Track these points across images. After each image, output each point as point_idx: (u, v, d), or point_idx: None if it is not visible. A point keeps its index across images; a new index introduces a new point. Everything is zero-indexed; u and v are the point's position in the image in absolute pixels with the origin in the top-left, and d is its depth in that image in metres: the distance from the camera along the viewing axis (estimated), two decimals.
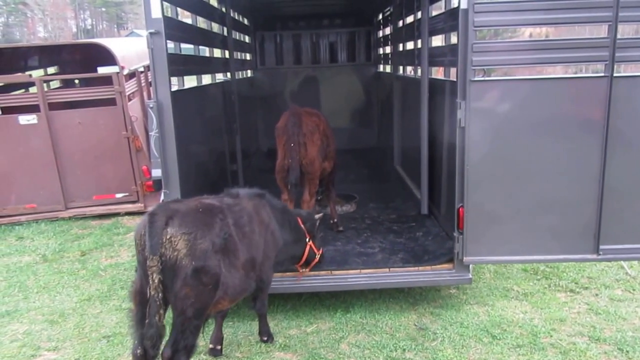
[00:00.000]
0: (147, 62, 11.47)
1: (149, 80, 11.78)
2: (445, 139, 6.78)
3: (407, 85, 9.10)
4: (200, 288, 3.94)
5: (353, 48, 12.61)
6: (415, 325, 5.73)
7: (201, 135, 7.23)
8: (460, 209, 5.54)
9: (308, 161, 6.40)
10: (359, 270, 5.90)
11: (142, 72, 10.55)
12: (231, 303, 4.52)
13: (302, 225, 5.49)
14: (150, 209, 4.09)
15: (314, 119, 6.69)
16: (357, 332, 5.62)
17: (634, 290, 6.54)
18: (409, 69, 9.40)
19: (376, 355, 5.19)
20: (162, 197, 6.60)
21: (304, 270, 5.71)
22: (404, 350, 5.26)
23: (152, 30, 5.22)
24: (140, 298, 4.01)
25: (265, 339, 5.44)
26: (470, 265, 5.80)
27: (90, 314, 6.32)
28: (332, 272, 5.91)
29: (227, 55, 9.19)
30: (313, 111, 6.97)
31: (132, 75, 10.41)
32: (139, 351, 4.00)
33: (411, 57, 8.59)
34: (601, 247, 5.57)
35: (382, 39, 12.12)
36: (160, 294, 3.82)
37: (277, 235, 5.11)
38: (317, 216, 5.69)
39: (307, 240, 5.53)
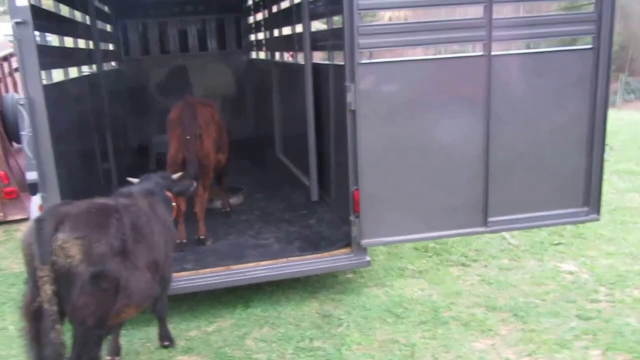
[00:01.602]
0: None
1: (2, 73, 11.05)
2: (332, 123, 6.87)
3: (287, 72, 9.10)
4: (99, 295, 3.73)
5: (223, 35, 12.40)
6: (318, 313, 5.77)
7: (72, 133, 6.86)
8: (355, 192, 5.64)
9: (204, 154, 6.27)
10: (256, 263, 5.85)
11: None
12: (137, 310, 4.30)
13: (168, 193, 5.12)
14: (38, 214, 3.84)
15: (208, 109, 6.58)
16: (260, 326, 5.57)
17: (519, 258, 6.97)
18: (287, 54, 9.43)
19: (284, 347, 5.17)
20: (33, 202, 6.22)
21: None
22: (312, 339, 5.29)
23: (18, 20, 4.80)
24: (33, 313, 3.73)
25: (167, 343, 5.25)
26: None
27: None
28: (230, 267, 5.80)
29: (91, 46, 8.76)
30: (206, 101, 6.86)
31: None
32: None
33: (290, 43, 8.60)
34: (489, 219, 5.90)
35: (254, 25, 12.03)
36: (54, 307, 3.57)
37: (173, 228, 4.93)
38: (174, 176, 5.39)
39: (173, 204, 5.15)
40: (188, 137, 6.16)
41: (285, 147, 9.82)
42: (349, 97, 5.42)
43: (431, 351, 5.03)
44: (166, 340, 5.27)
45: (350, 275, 6.56)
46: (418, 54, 6.33)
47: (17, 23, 4.83)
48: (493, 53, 5.51)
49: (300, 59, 8.05)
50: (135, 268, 4.03)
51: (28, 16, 4.83)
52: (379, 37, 5.37)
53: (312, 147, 7.32)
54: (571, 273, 6.52)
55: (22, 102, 5.02)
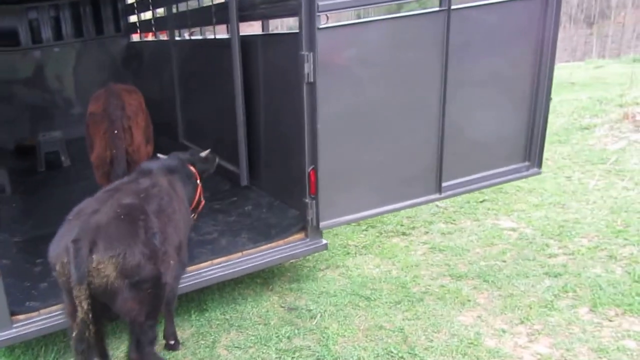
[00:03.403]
0: None
1: None
2: (261, 101, 6.21)
3: (195, 50, 8.11)
4: (142, 296, 3.59)
5: (99, 19, 11.04)
6: (283, 307, 5.14)
7: None
8: (312, 172, 5.03)
9: (135, 148, 5.37)
10: (210, 262, 5.06)
11: None
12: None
13: (192, 168, 4.80)
14: (71, 232, 3.42)
15: (135, 97, 5.63)
16: (226, 331, 4.84)
17: (454, 220, 6.75)
18: (187, 32, 8.52)
19: (264, 351, 4.49)
20: None
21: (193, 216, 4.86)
22: (290, 337, 4.66)
23: None
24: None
25: (172, 342, 4.67)
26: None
27: None
28: None
29: None
30: (131, 87, 5.89)
31: None
32: None
33: (201, 17, 7.65)
34: (443, 184, 5.53)
35: (135, 5, 10.76)
36: (90, 316, 3.41)
37: (189, 209, 4.61)
38: (202, 154, 5.01)
39: (198, 182, 4.81)
40: (116, 132, 5.26)
41: (192, 132, 8.80)
42: (307, 68, 4.71)
43: (422, 332, 4.60)
44: (172, 338, 4.70)
45: (293, 261, 5.96)
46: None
47: None
48: (453, 7, 5.03)
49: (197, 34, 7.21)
50: (169, 256, 3.86)
51: None
52: None
53: (242, 129, 6.47)
54: (513, 230, 6.38)
55: None
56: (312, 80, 4.73)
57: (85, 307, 3.38)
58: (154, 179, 4.21)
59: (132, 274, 3.52)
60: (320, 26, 4.63)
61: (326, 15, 4.68)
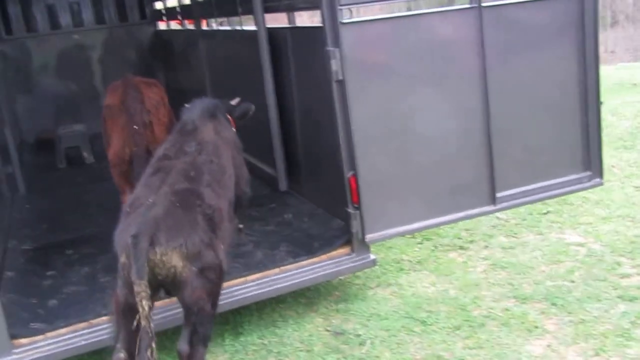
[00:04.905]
0: None
1: None
2: (295, 100, 5.96)
3: (227, 42, 7.89)
4: (208, 285, 3.66)
5: (122, 4, 10.86)
6: (328, 330, 4.83)
7: None
8: (352, 179, 4.73)
9: (156, 146, 5.10)
10: (244, 279, 4.76)
11: None
12: None
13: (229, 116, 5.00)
14: (131, 227, 3.45)
15: (155, 90, 5.46)
16: (264, 358, 4.54)
17: (515, 234, 6.35)
18: (219, 21, 8.29)
19: None
20: None
21: None
22: None
23: None
24: (124, 308, 3.53)
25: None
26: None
27: None
28: None
29: None
30: (150, 80, 5.74)
31: None
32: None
33: (226, 7, 7.39)
34: (497, 195, 5.19)
35: None
36: (152, 324, 3.32)
37: (238, 141, 4.85)
38: (233, 102, 5.15)
39: (234, 130, 4.98)
40: (136, 127, 5.02)
41: None
42: (334, 65, 4.51)
43: None
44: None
45: (341, 278, 5.60)
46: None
47: None
48: (484, 4, 4.80)
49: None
50: (225, 232, 3.98)
51: None
52: None
53: (276, 129, 6.24)
54: (581, 245, 5.96)
55: None
56: (341, 77, 4.54)
57: (147, 308, 3.30)
58: (199, 135, 4.27)
59: (196, 260, 3.57)
60: (344, 21, 4.48)
61: (349, 9, 4.57)
